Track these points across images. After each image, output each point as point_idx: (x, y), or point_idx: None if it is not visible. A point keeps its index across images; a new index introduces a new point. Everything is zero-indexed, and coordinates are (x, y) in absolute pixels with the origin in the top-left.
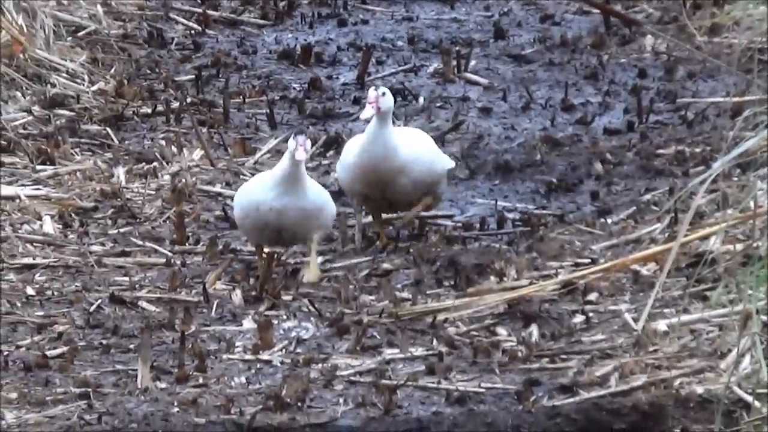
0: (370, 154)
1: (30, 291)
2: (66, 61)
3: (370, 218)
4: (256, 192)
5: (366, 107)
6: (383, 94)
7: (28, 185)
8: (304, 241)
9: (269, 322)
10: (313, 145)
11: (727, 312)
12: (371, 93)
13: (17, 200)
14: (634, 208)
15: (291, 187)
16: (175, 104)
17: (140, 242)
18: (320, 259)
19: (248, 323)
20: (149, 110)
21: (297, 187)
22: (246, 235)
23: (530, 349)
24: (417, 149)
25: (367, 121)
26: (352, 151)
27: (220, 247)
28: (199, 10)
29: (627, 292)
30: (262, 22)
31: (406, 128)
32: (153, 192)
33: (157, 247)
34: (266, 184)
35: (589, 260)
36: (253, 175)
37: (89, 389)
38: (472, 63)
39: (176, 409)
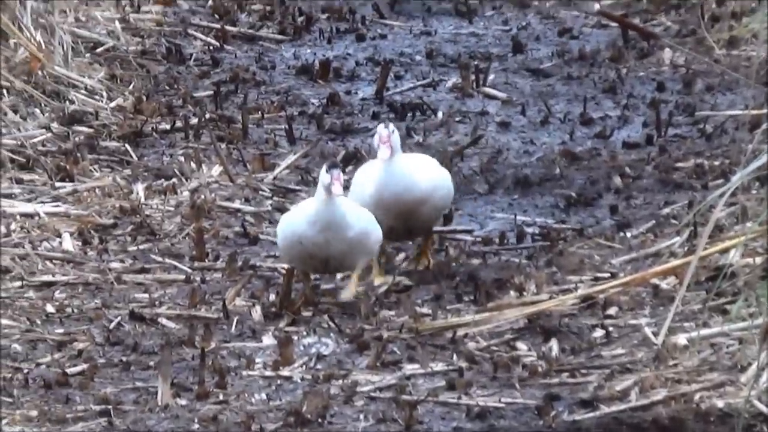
0: (391, 189)
1: (50, 308)
2: (84, 77)
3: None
4: (299, 225)
5: (381, 148)
6: (393, 131)
7: (47, 202)
8: (351, 269)
9: (289, 339)
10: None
11: (747, 325)
12: (383, 132)
13: (36, 217)
14: (654, 221)
15: (332, 219)
16: (194, 120)
17: (160, 259)
18: (340, 275)
19: (268, 339)
20: (168, 126)
21: (338, 219)
22: (290, 264)
23: (550, 363)
24: (434, 176)
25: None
26: (368, 185)
27: (240, 263)
28: (218, 26)
29: (647, 306)
30: (280, 37)
31: (412, 155)
32: (172, 208)
33: (176, 263)
34: (308, 216)
35: (609, 274)
36: (272, 191)
37: (109, 406)
38: (491, 77)
39: (197, 426)
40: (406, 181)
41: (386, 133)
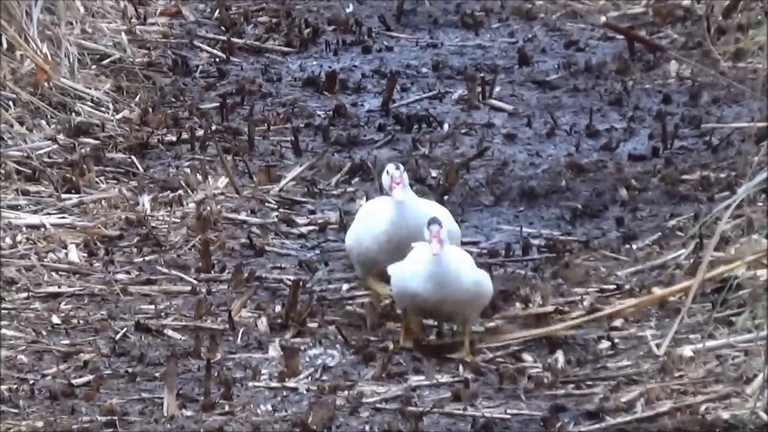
0: (401, 228)
1: (55, 319)
2: (90, 89)
3: None
4: (411, 281)
5: (396, 189)
6: (404, 171)
7: (53, 213)
8: (465, 320)
9: (295, 350)
10: (338, 172)
11: (752, 337)
12: (394, 172)
13: (42, 229)
14: (660, 233)
15: (446, 277)
16: (200, 132)
17: (166, 270)
18: (346, 286)
19: (274, 351)
20: (174, 138)
21: (452, 276)
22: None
23: (556, 375)
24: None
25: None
26: (378, 224)
27: (246, 274)
28: (224, 38)
29: (652, 317)
30: (286, 49)
31: (423, 200)
32: (178, 220)
33: (182, 275)
34: (421, 273)
35: (615, 286)
36: (278, 203)
37: (115, 417)
38: (497, 89)
39: None
40: (418, 223)
41: (398, 174)
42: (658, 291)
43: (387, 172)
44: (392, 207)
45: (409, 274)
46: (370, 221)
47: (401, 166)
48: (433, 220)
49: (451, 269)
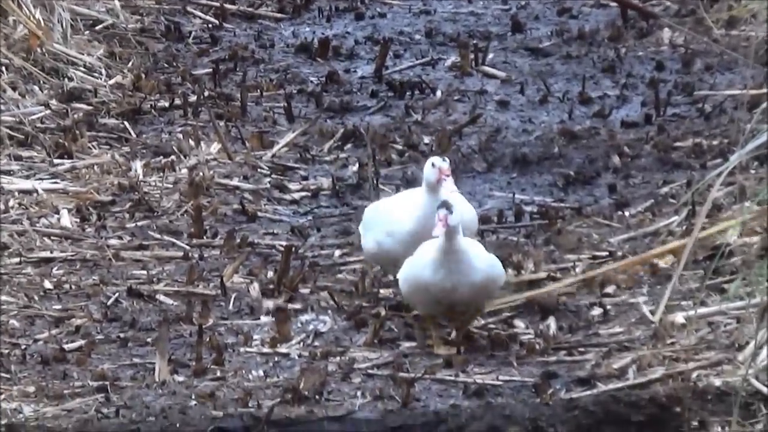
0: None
1: (47, 284)
2: (83, 55)
3: None
4: (423, 273)
5: (446, 181)
6: (451, 212)
7: (45, 179)
8: (477, 311)
9: (287, 316)
10: (330, 138)
11: (744, 304)
12: (442, 164)
13: (35, 194)
14: (652, 200)
15: (457, 265)
16: (193, 98)
17: (158, 236)
18: (338, 252)
19: (266, 316)
20: (167, 104)
21: (464, 264)
22: (415, 308)
23: (548, 341)
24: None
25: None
26: (402, 224)
27: (238, 240)
28: (217, 4)
29: (644, 284)
30: (279, 15)
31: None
32: (170, 185)
33: (174, 240)
34: (432, 263)
35: (607, 253)
36: (270, 168)
37: (107, 382)
38: (490, 56)
39: (194, 403)
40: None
41: (447, 166)
42: (648, 253)
43: (432, 164)
44: (421, 204)
45: (420, 267)
46: (392, 222)
47: (447, 159)
48: (443, 204)
49: (462, 255)
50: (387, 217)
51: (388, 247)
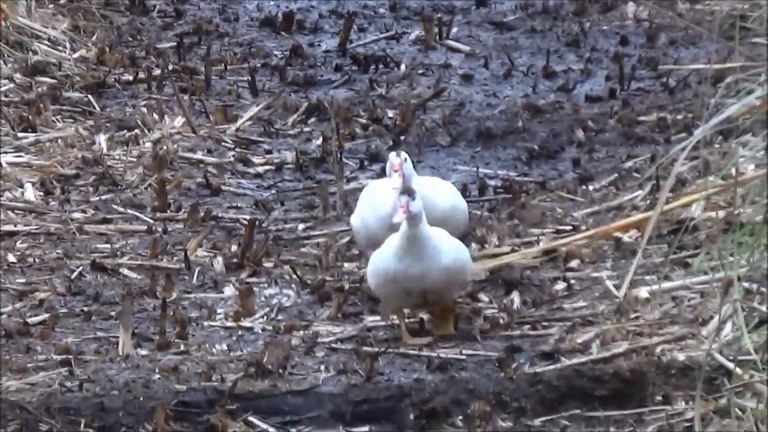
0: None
1: (11, 258)
2: (48, 28)
3: (351, 185)
4: (389, 263)
5: (393, 176)
6: (405, 159)
7: (9, 152)
8: (449, 300)
9: (250, 289)
10: (294, 112)
11: (708, 279)
12: (395, 160)
13: None
14: (616, 175)
15: (421, 251)
16: (157, 71)
17: (121, 209)
18: (302, 226)
19: (229, 290)
20: (131, 77)
21: (427, 249)
22: (386, 303)
23: (512, 316)
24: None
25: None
26: (383, 206)
27: (202, 214)
28: None
29: (608, 259)
30: None
31: (430, 179)
32: (134, 159)
33: (138, 214)
34: (397, 251)
35: (571, 227)
36: (234, 142)
37: (70, 356)
38: (454, 30)
39: (157, 376)
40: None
41: (398, 161)
42: (611, 226)
43: (389, 158)
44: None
45: (385, 258)
46: (375, 202)
47: (404, 154)
48: (405, 190)
49: (427, 242)
50: (374, 198)
51: (371, 226)
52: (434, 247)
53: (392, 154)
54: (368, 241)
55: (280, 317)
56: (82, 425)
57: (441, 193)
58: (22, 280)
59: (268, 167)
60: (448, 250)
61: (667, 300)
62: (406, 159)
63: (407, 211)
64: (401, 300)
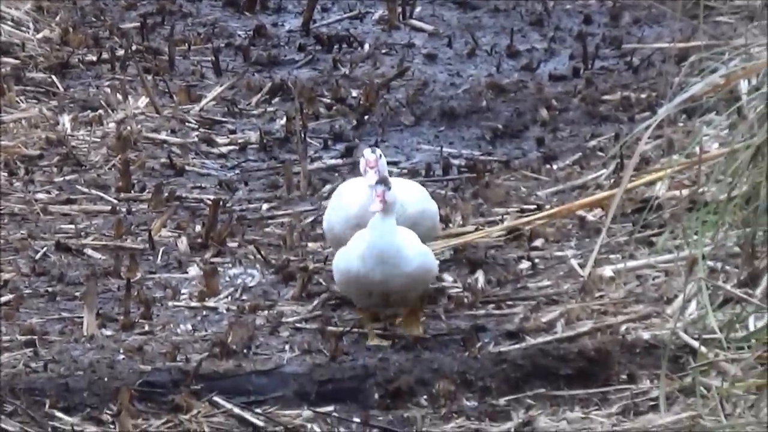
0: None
1: None
2: (11, 9)
3: (315, 165)
4: (353, 263)
5: (368, 172)
6: (380, 156)
7: None
8: (411, 303)
9: (215, 270)
10: (258, 92)
11: (673, 257)
12: (369, 156)
13: None
14: (580, 154)
15: (386, 254)
16: (121, 52)
17: (86, 190)
18: (266, 206)
19: (194, 270)
20: (94, 58)
21: (392, 250)
22: (351, 299)
23: (476, 295)
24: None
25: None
26: (349, 207)
27: (166, 194)
28: None
29: (573, 237)
30: None
31: (401, 180)
32: (98, 139)
33: (102, 194)
34: (361, 252)
35: (535, 206)
36: (198, 122)
37: (35, 337)
38: (417, 9)
39: (122, 357)
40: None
41: (373, 158)
42: (574, 204)
43: (363, 155)
44: (366, 190)
45: (350, 258)
46: (342, 203)
47: (378, 150)
48: (381, 180)
49: (393, 243)
50: (342, 198)
51: (336, 228)
52: (399, 252)
53: (366, 151)
54: (336, 243)
55: (244, 297)
56: (46, 406)
57: (411, 195)
58: None
59: (232, 147)
60: (414, 256)
61: (631, 279)
62: (381, 156)
63: (383, 201)
64: (363, 299)
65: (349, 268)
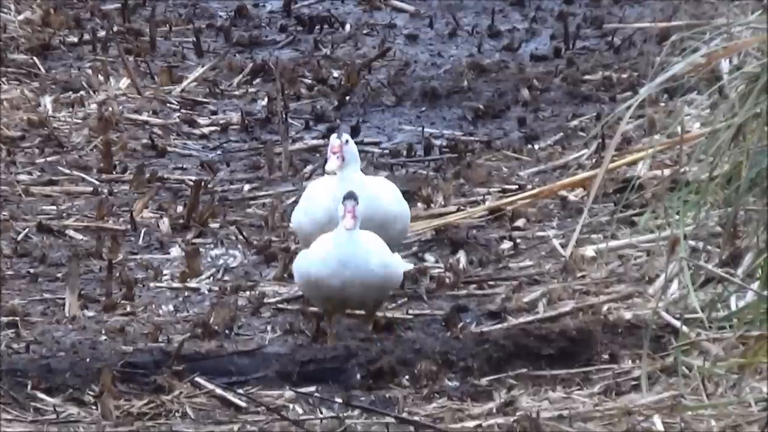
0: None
1: None
2: None
3: (296, 145)
4: (313, 267)
5: (331, 158)
6: (347, 141)
7: None
8: (368, 309)
9: (197, 250)
10: (239, 72)
11: (654, 237)
12: (334, 142)
13: None
14: (561, 134)
15: (348, 258)
16: (102, 33)
17: (67, 171)
18: (248, 187)
19: (176, 251)
20: (76, 39)
21: (356, 257)
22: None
23: (458, 275)
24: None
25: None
26: (320, 202)
27: (147, 175)
28: None
29: (554, 218)
30: None
31: (372, 178)
32: (80, 121)
33: (84, 175)
34: (323, 257)
35: (517, 186)
36: (180, 103)
37: (17, 318)
38: None
39: (104, 338)
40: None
41: (338, 144)
42: (556, 185)
43: (344, 199)
44: (335, 182)
45: (311, 261)
46: (309, 205)
47: (345, 135)
48: (349, 195)
49: (358, 250)
50: (311, 196)
51: (304, 227)
52: (362, 260)
53: (333, 136)
54: (304, 242)
55: (226, 278)
56: (28, 387)
57: (385, 197)
58: None
59: (213, 128)
60: (377, 265)
61: (613, 259)
62: (347, 141)
63: (354, 217)
64: (323, 303)
65: (308, 270)
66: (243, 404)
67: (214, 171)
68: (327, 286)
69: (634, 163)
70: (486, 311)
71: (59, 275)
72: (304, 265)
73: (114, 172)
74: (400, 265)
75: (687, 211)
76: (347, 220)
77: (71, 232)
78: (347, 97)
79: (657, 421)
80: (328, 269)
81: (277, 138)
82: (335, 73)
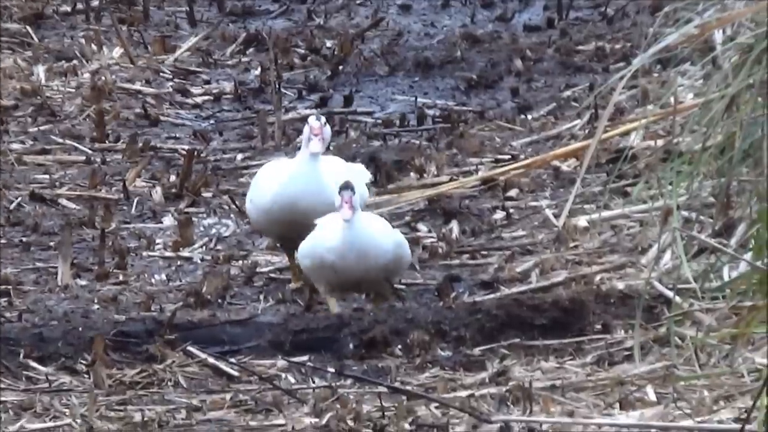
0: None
1: None
2: None
3: (289, 115)
4: (328, 252)
5: (312, 141)
6: (324, 123)
7: None
8: (382, 289)
9: (189, 219)
10: (233, 42)
11: (647, 207)
12: (314, 123)
13: None
14: (554, 104)
15: (360, 243)
16: (95, 2)
17: (60, 140)
18: (240, 156)
19: (168, 220)
20: (69, 8)
21: (370, 243)
22: (318, 287)
23: (450, 245)
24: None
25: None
26: (270, 186)
27: (140, 144)
28: None
29: (547, 188)
30: None
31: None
32: (73, 90)
33: (77, 144)
34: (336, 244)
35: (510, 156)
36: (173, 73)
37: (9, 287)
38: None
39: (96, 307)
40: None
41: (317, 125)
42: (549, 155)
43: (308, 122)
44: (288, 168)
45: (321, 244)
46: (257, 188)
47: (323, 118)
48: (346, 185)
49: (369, 236)
50: (258, 184)
51: (251, 213)
52: (374, 241)
53: (311, 118)
54: (255, 228)
55: (219, 247)
56: (21, 355)
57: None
58: None
59: (206, 98)
60: (389, 244)
61: (606, 229)
62: (325, 123)
63: (352, 207)
64: (333, 287)
65: (323, 257)
66: (235, 373)
67: (207, 140)
68: (341, 269)
69: (627, 133)
70: (479, 281)
71: (52, 244)
72: (316, 250)
73: (107, 141)
74: (407, 246)
75: (680, 181)
76: (345, 211)
77: (64, 201)
78: (340, 67)
79: (649, 391)
80: (340, 253)
81: (270, 108)
82: (328, 43)
